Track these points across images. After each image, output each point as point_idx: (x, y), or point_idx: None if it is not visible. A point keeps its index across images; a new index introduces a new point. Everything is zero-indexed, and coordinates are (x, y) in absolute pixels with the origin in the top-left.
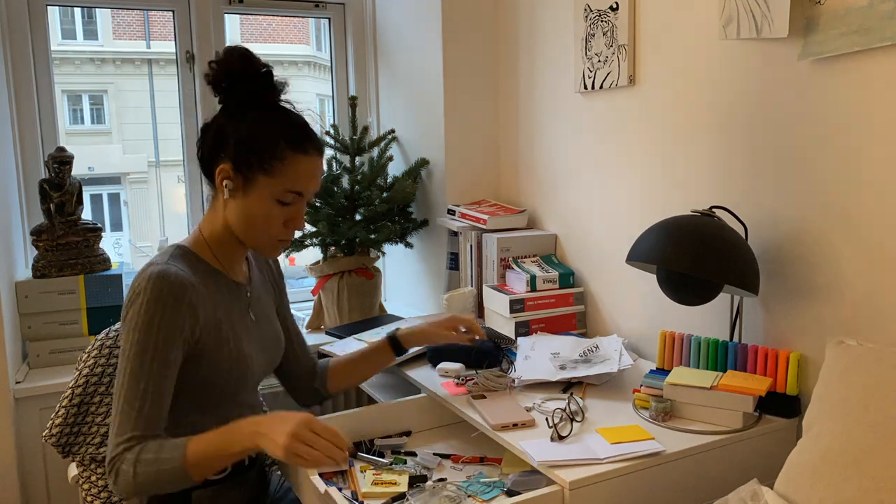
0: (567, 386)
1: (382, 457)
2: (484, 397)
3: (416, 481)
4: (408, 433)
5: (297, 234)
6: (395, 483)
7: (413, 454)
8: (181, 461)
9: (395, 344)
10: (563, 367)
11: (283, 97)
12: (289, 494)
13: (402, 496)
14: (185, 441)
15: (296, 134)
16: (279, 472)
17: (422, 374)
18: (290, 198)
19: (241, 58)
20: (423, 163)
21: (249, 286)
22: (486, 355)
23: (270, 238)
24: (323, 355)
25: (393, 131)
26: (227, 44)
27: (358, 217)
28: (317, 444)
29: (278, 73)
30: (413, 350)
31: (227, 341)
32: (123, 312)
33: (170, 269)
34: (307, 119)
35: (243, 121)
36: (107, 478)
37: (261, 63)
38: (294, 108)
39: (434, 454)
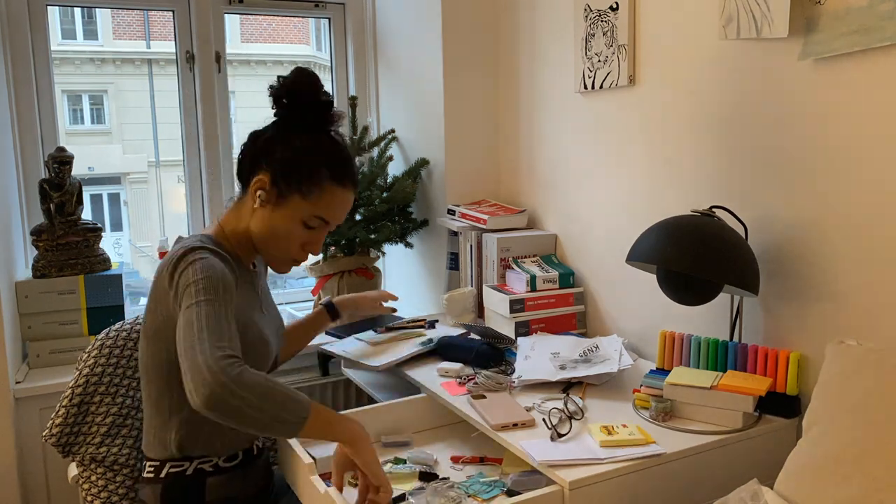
0: (567, 386)
1: None
2: (484, 397)
3: (426, 479)
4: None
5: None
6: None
7: (406, 443)
8: (308, 408)
9: (331, 309)
10: (563, 367)
11: (333, 128)
12: (288, 491)
13: (402, 497)
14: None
15: (340, 166)
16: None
17: (422, 374)
18: (315, 223)
19: (308, 81)
20: (423, 163)
21: (259, 277)
22: (487, 355)
23: (286, 255)
24: (324, 355)
25: (393, 131)
26: (227, 44)
27: (358, 217)
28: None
29: (276, 73)
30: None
31: (253, 324)
32: (168, 287)
33: (204, 244)
34: (352, 153)
35: (293, 139)
36: (219, 373)
37: (324, 91)
38: (343, 140)
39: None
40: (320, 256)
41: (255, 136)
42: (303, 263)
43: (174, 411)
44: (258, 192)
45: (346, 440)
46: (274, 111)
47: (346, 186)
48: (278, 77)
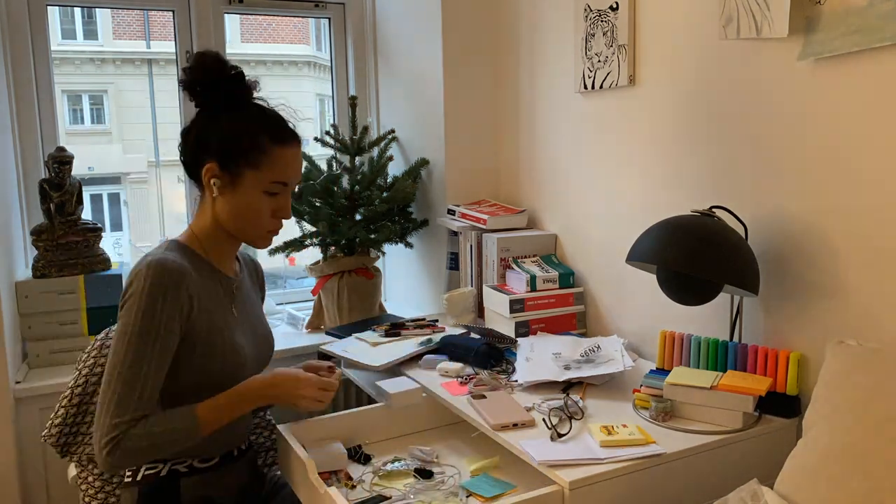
0: (567, 386)
1: (369, 460)
2: (484, 397)
3: (424, 476)
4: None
5: (298, 232)
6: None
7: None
8: (196, 424)
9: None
10: (567, 368)
11: (255, 95)
12: (283, 490)
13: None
14: (193, 406)
15: (275, 127)
16: (279, 472)
17: (422, 375)
18: (276, 188)
19: (212, 61)
20: (423, 163)
21: (237, 282)
22: (488, 355)
23: (261, 229)
24: (324, 355)
25: (393, 131)
26: (227, 43)
27: (358, 217)
28: (323, 398)
29: (278, 73)
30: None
31: (221, 331)
32: (121, 302)
33: (167, 257)
34: (282, 113)
35: (223, 121)
36: (99, 455)
37: (231, 65)
38: (268, 104)
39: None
40: (320, 256)
41: (186, 133)
42: (302, 263)
43: None
44: (212, 181)
45: (262, 405)
46: (194, 103)
47: (290, 143)
48: (183, 69)
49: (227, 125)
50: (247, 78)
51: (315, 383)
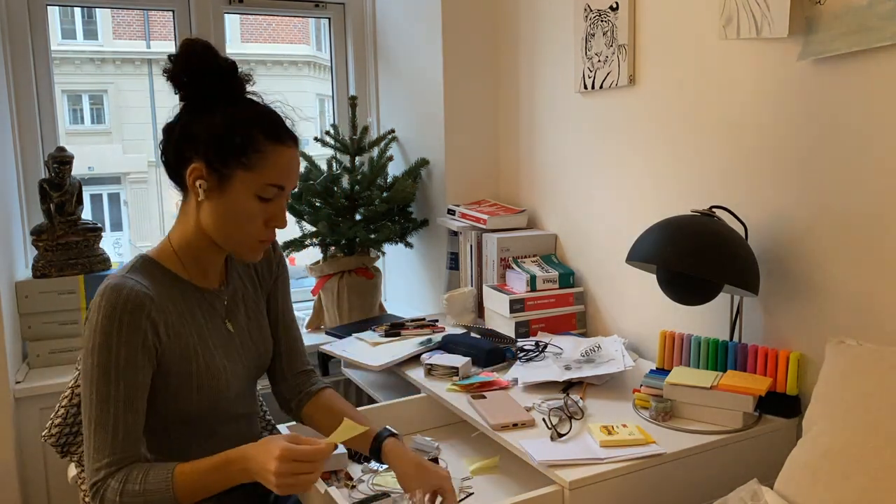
0: (567, 386)
1: (369, 460)
2: (484, 397)
3: None
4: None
5: (298, 232)
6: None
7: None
8: (170, 492)
9: (377, 448)
10: (567, 368)
11: (249, 90)
12: (291, 496)
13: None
14: (171, 470)
15: (272, 125)
16: None
17: (422, 374)
18: (270, 192)
19: (201, 50)
20: (423, 163)
21: (226, 294)
22: (494, 353)
23: (251, 238)
24: (324, 355)
25: (393, 131)
26: (227, 43)
27: (358, 217)
28: (301, 472)
29: (278, 73)
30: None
31: (196, 356)
32: (83, 332)
33: (126, 282)
34: (278, 110)
35: (213, 116)
36: (91, 499)
37: (222, 56)
38: (262, 100)
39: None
40: (320, 256)
41: (169, 129)
42: (302, 263)
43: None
44: (198, 183)
45: (240, 482)
46: (179, 95)
47: (287, 143)
48: (168, 57)
49: (216, 120)
50: (240, 71)
51: (291, 455)
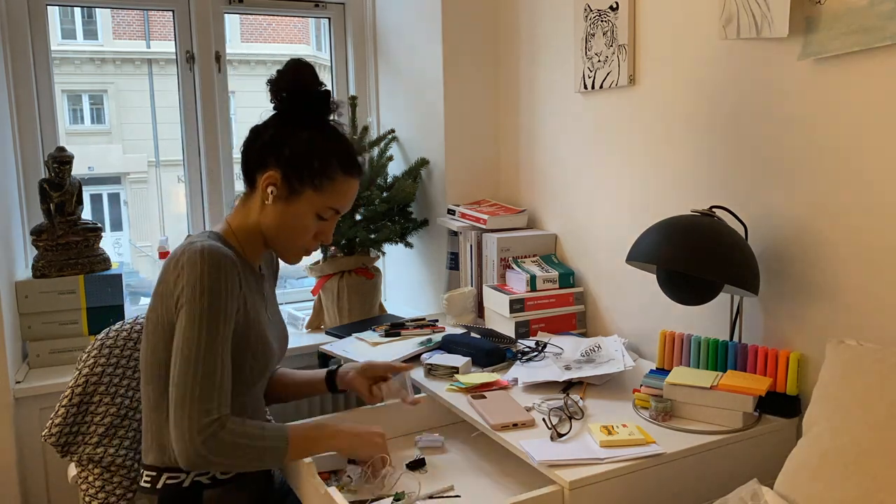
0: (567, 386)
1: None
2: (484, 397)
3: (414, 467)
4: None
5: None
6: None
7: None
8: (285, 443)
9: (331, 380)
10: (567, 368)
11: (334, 117)
12: (290, 495)
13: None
14: (286, 428)
15: (349, 157)
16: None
17: (422, 375)
18: (328, 214)
19: (307, 72)
20: (423, 163)
21: (264, 282)
22: (494, 353)
23: (298, 247)
24: (323, 355)
25: (393, 131)
26: (227, 43)
27: (358, 217)
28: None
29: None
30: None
31: (257, 324)
32: (176, 287)
33: (217, 244)
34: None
35: (300, 134)
36: (191, 446)
37: (321, 81)
38: (343, 129)
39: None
40: (320, 256)
41: (257, 132)
42: (302, 263)
43: None
44: (269, 189)
45: (343, 449)
46: (273, 105)
47: (356, 175)
48: (277, 71)
49: (303, 140)
50: (332, 98)
51: (374, 438)
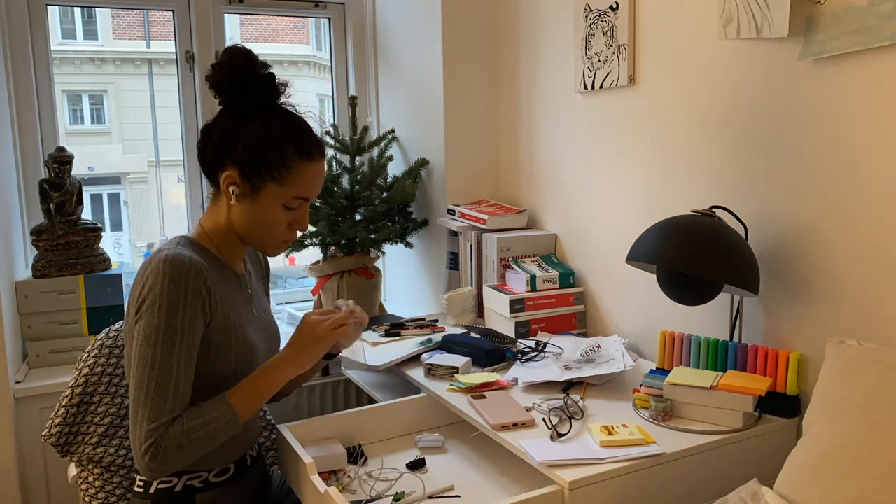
0: (567, 386)
1: (366, 461)
2: (484, 397)
3: (413, 467)
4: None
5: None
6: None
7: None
8: (231, 410)
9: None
10: (567, 368)
11: (284, 99)
12: (290, 495)
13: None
14: (223, 396)
15: (303, 141)
16: (279, 472)
17: (422, 374)
18: (296, 203)
19: (243, 59)
20: (423, 163)
21: (250, 280)
22: (494, 353)
23: (275, 240)
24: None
25: (393, 131)
26: (228, 43)
27: (358, 217)
28: (338, 322)
29: (278, 73)
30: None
31: (235, 328)
32: (138, 299)
33: (183, 252)
34: (310, 121)
35: (249, 127)
36: (140, 463)
37: (262, 64)
38: (296, 110)
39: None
40: (320, 256)
41: (208, 131)
42: (302, 263)
43: None
44: (231, 189)
45: (295, 373)
46: (218, 100)
47: (315, 158)
48: (211, 65)
49: (254, 133)
50: (277, 80)
51: (327, 320)
